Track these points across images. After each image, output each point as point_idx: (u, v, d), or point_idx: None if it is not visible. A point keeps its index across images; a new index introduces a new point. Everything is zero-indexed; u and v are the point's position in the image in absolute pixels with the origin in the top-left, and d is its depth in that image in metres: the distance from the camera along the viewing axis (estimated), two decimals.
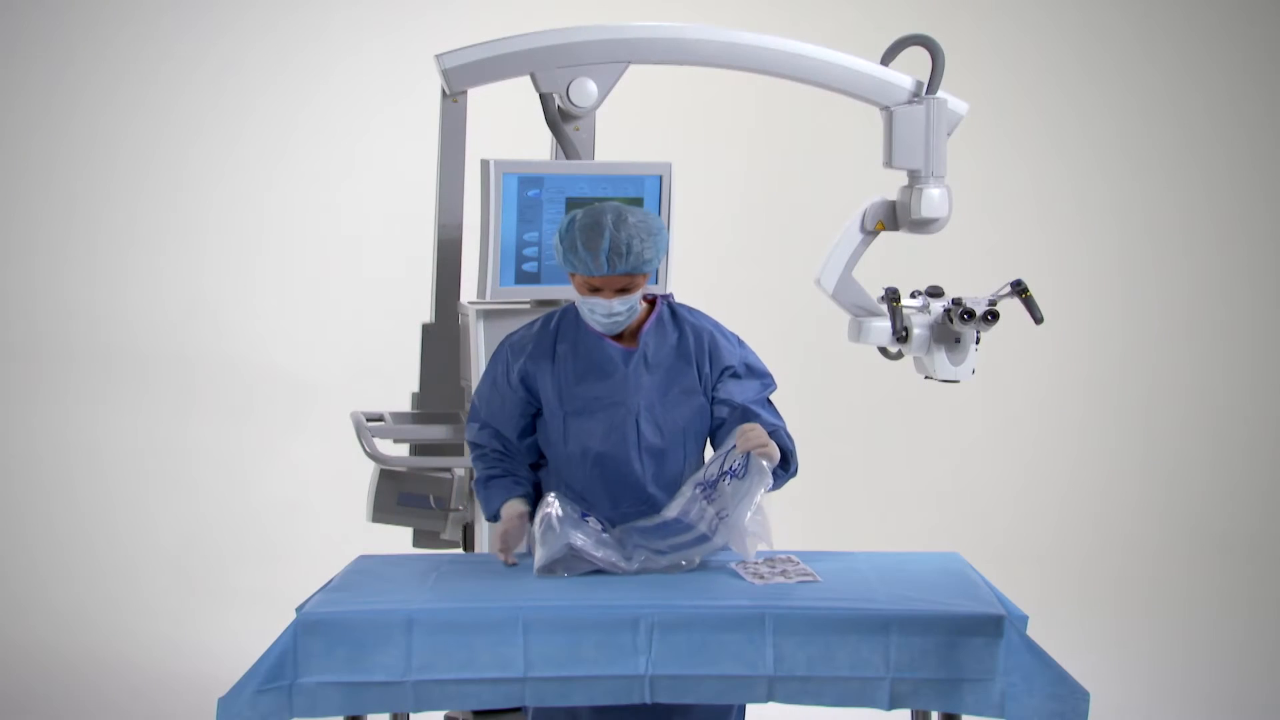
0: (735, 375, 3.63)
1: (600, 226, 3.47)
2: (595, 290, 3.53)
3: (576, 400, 3.57)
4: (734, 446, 3.47)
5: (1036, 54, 7.17)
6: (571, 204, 4.25)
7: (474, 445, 3.68)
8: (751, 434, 3.45)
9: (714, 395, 3.62)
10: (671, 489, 3.56)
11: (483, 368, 4.24)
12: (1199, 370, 7.16)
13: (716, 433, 3.63)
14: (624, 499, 3.56)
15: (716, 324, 3.70)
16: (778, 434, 3.56)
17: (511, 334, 3.71)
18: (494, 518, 3.63)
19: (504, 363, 3.65)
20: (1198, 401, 7.14)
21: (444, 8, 6.83)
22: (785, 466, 3.54)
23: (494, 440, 3.65)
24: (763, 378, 3.67)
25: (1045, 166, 7.17)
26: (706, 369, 3.62)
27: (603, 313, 3.54)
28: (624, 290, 3.53)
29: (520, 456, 3.65)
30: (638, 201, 4.27)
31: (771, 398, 3.68)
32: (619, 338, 3.62)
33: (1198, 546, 6.74)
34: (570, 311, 3.66)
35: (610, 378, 3.58)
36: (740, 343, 3.69)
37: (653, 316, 3.63)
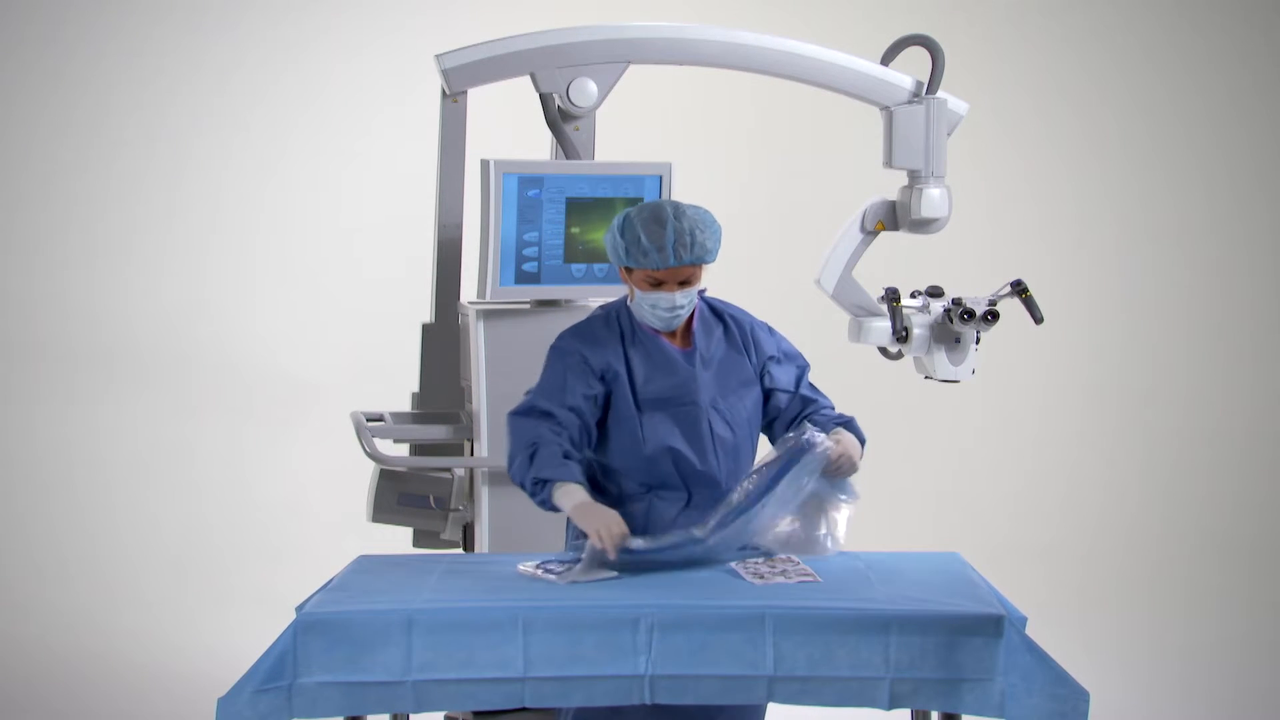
0: (777, 362, 3.69)
1: (662, 219, 3.49)
2: (657, 285, 3.53)
3: (647, 402, 3.58)
4: (803, 450, 3.50)
5: (1036, 54, 7.17)
6: (572, 204, 4.25)
7: (550, 416, 3.52)
8: (847, 460, 3.58)
9: (764, 384, 3.67)
10: (740, 480, 3.56)
11: (483, 368, 4.25)
12: (1199, 370, 7.16)
13: (775, 421, 3.68)
14: (698, 494, 3.57)
15: (748, 314, 3.75)
16: (851, 425, 3.67)
17: (575, 330, 3.64)
18: (539, 491, 3.50)
19: (583, 358, 3.57)
20: (1197, 401, 7.13)
21: (444, 8, 6.83)
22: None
23: (576, 429, 3.53)
24: (797, 360, 3.72)
25: (1045, 166, 7.17)
26: (754, 358, 3.67)
27: (665, 306, 3.54)
28: (686, 283, 3.54)
29: (582, 457, 3.57)
30: (637, 202, 4.27)
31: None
32: (671, 336, 3.62)
33: (1198, 546, 6.74)
34: (625, 311, 3.65)
35: (676, 376, 3.59)
36: (770, 330, 3.74)
37: (697, 315, 3.65)
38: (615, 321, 3.64)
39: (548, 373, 3.60)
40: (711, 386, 3.61)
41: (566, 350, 3.60)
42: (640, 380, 3.58)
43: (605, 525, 3.39)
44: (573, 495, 3.45)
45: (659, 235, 3.48)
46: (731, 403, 3.62)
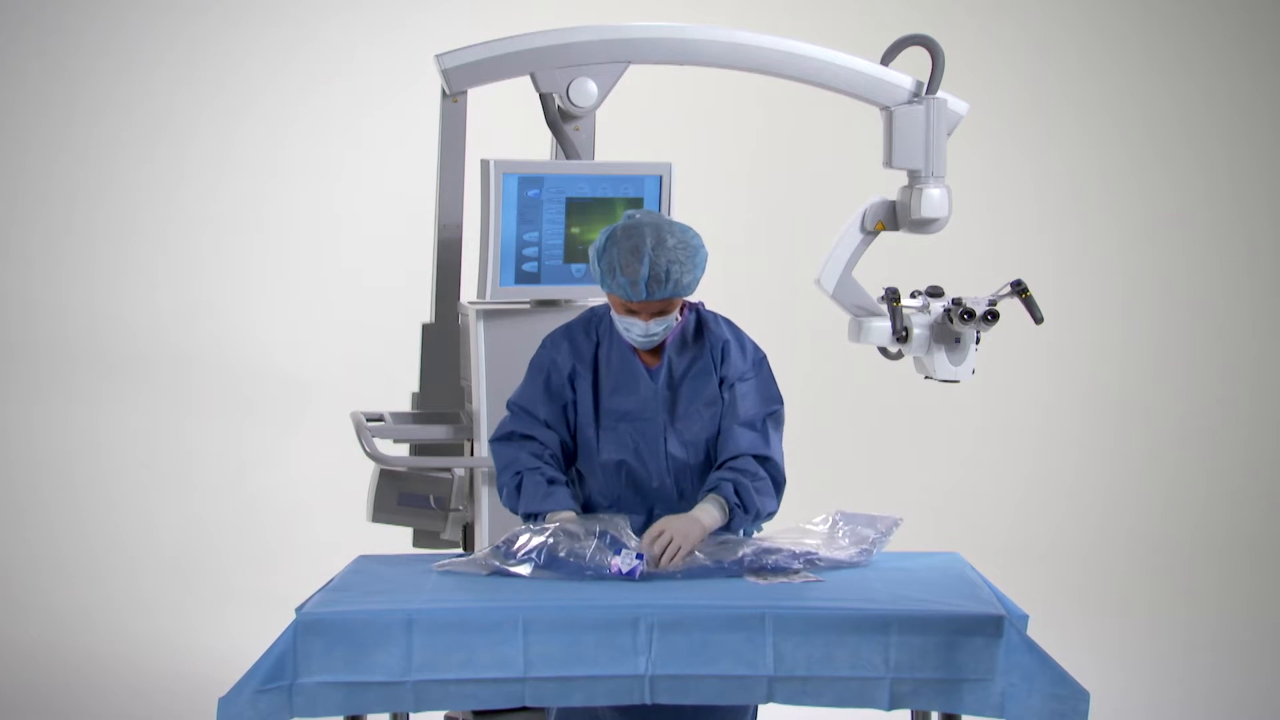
0: (741, 394, 3.59)
1: (639, 252, 3.45)
2: (632, 312, 3.52)
3: (608, 413, 3.58)
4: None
5: (1036, 54, 7.17)
6: (571, 204, 4.25)
7: (530, 439, 3.57)
8: (660, 545, 3.41)
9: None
10: (697, 498, 3.55)
11: (483, 368, 4.24)
12: (1199, 369, 7.16)
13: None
14: (660, 509, 3.56)
15: (740, 335, 3.66)
16: (740, 476, 3.50)
17: (554, 334, 3.66)
18: (534, 523, 3.51)
19: (555, 366, 3.61)
20: (1198, 401, 7.14)
21: (444, 8, 6.83)
22: (729, 519, 3.50)
23: (557, 445, 3.58)
24: (767, 401, 3.60)
25: (1045, 166, 7.17)
26: (717, 373, 3.61)
27: (638, 332, 3.54)
28: (661, 312, 3.52)
29: (568, 478, 3.60)
30: (637, 202, 4.27)
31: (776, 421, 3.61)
32: (646, 352, 3.61)
33: (1198, 546, 6.74)
34: (607, 317, 3.64)
35: (637, 393, 3.58)
36: (758, 362, 3.64)
37: (677, 330, 3.61)
38: (594, 329, 3.64)
39: (525, 385, 3.63)
40: (673, 406, 3.58)
41: (540, 364, 3.63)
42: (605, 392, 3.59)
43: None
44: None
45: (634, 269, 3.45)
46: (690, 422, 3.58)
